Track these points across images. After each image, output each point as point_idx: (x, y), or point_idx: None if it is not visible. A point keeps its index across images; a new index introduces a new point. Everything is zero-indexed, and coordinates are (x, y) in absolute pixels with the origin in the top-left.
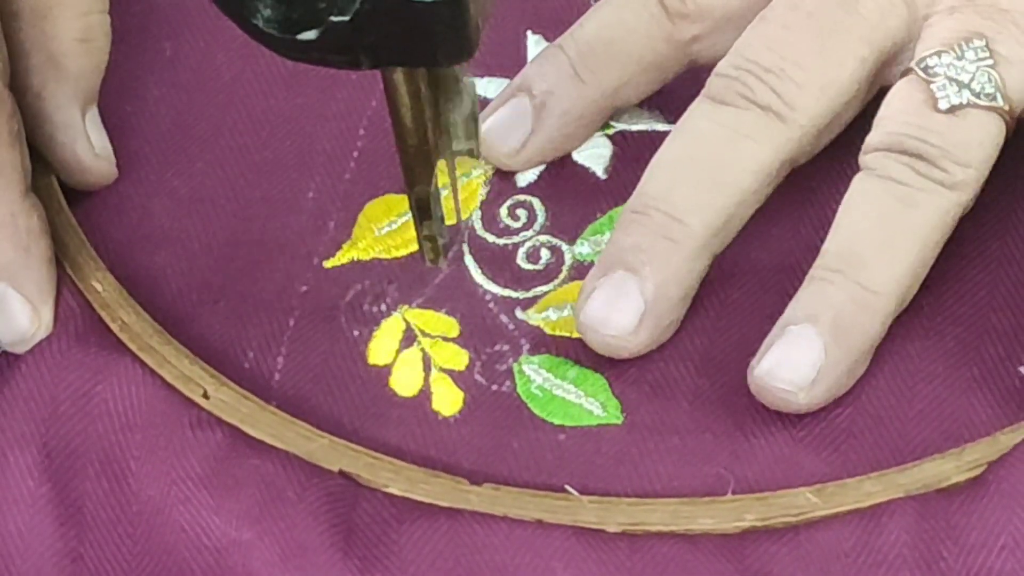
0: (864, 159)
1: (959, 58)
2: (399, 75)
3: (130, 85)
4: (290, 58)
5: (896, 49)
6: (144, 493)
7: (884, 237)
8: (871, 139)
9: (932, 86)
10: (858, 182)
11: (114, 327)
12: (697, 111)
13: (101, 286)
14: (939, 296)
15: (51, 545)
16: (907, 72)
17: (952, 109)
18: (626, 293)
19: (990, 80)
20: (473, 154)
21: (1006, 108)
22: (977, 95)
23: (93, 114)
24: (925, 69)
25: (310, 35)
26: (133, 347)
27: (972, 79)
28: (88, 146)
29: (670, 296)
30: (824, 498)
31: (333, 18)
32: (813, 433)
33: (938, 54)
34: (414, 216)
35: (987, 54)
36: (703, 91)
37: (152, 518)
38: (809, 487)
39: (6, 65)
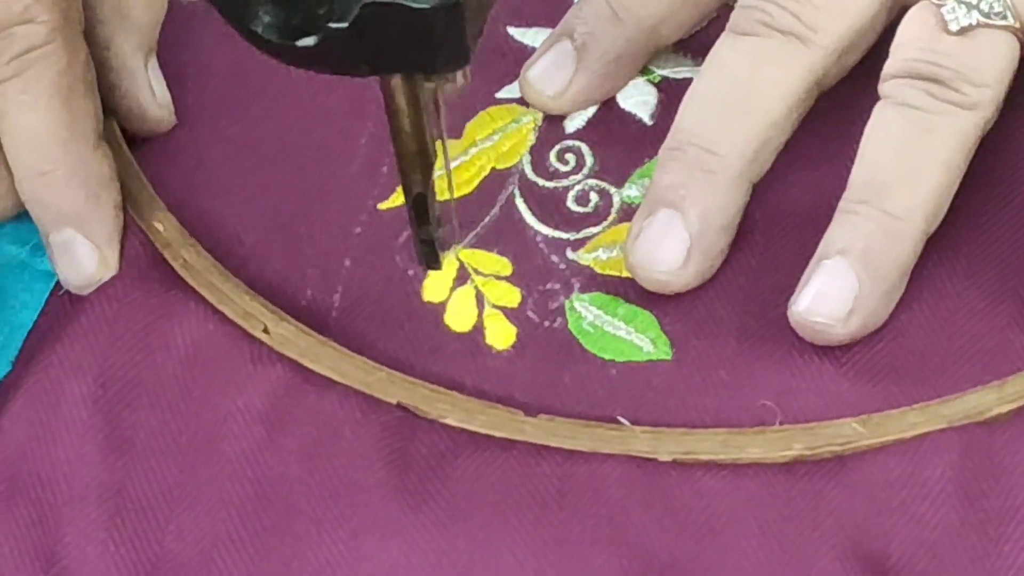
0: (882, 88)
1: None
2: (397, 81)
3: (184, 37)
4: (289, 64)
5: None
6: (197, 424)
7: (906, 164)
8: (887, 67)
9: (942, 9)
10: (877, 111)
11: (176, 265)
12: (722, 45)
13: (162, 226)
14: (977, 235)
15: (96, 475)
16: None
17: (963, 31)
18: (671, 229)
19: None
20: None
21: (1017, 26)
22: (987, 15)
23: (153, 64)
24: None
25: (309, 41)
26: (195, 284)
27: (980, 0)
28: (150, 94)
29: (713, 227)
30: (869, 428)
31: (332, 25)
32: (856, 367)
33: None
34: (411, 219)
35: None
36: (728, 25)
37: (201, 448)
38: (854, 418)
39: (82, 16)
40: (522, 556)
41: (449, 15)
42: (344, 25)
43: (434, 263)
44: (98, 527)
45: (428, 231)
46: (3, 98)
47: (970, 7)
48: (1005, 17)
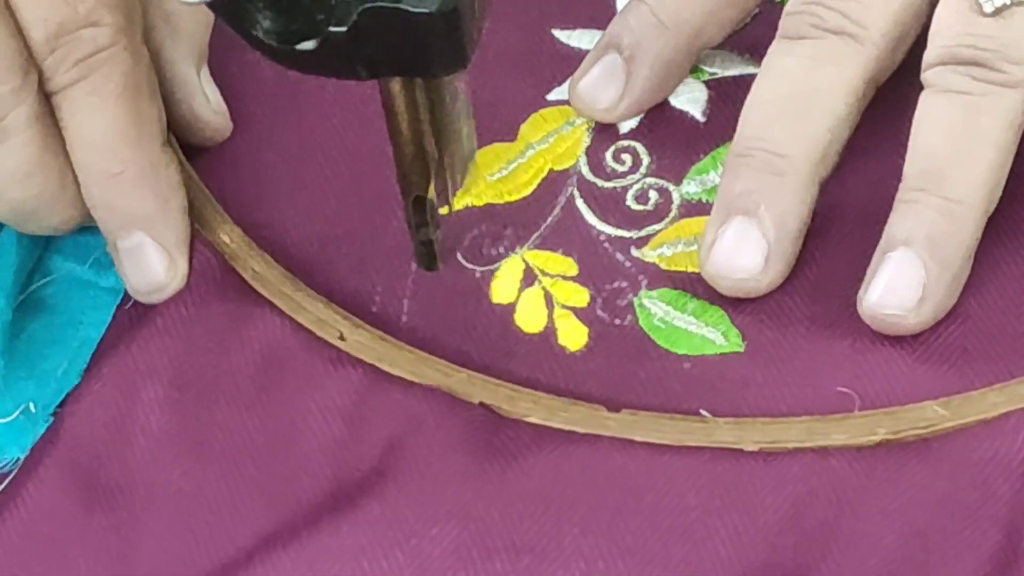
0: (925, 76)
1: None
2: (396, 85)
3: (234, 46)
4: (290, 68)
5: None
6: (275, 424)
7: (958, 148)
8: (928, 55)
9: None
10: (923, 100)
11: (246, 276)
12: (776, 51)
13: (229, 238)
14: None
15: (173, 480)
16: None
17: (997, 11)
18: (748, 236)
19: None
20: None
21: None
22: None
23: (206, 72)
24: None
25: (308, 46)
26: (267, 294)
27: None
28: (205, 102)
29: (789, 229)
30: (951, 410)
31: (331, 29)
32: (928, 351)
33: None
34: (410, 222)
35: None
36: (778, 33)
37: (278, 447)
38: (935, 400)
39: (141, 21)
40: (592, 555)
41: (446, 20)
42: (343, 29)
43: (433, 265)
44: (174, 532)
45: (427, 233)
46: (71, 102)
47: None
48: None
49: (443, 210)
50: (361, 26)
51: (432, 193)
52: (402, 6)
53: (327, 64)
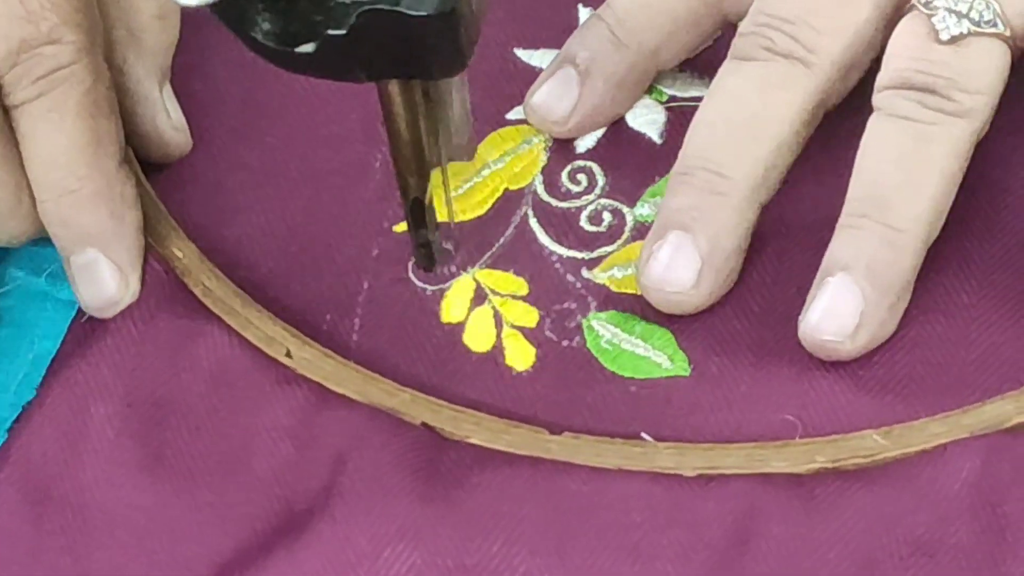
0: (876, 99)
1: None
2: (394, 87)
3: (198, 64)
4: (288, 70)
5: None
6: (225, 444)
7: (903, 175)
8: (880, 78)
9: (933, 19)
10: (872, 124)
11: (197, 291)
12: (726, 71)
13: (182, 253)
14: (988, 246)
15: (124, 497)
16: (910, 9)
17: (954, 40)
18: (682, 251)
19: (988, 7)
20: (468, 154)
21: (1007, 33)
22: (977, 23)
23: (168, 89)
24: (925, 4)
25: (307, 48)
26: (217, 310)
27: (970, 8)
28: (167, 118)
29: (724, 248)
30: (892, 440)
31: (330, 32)
32: (874, 380)
33: None
34: (409, 223)
35: None
36: (730, 53)
37: (231, 467)
38: (876, 430)
39: (102, 40)
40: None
41: (444, 22)
42: (342, 32)
43: (431, 265)
44: (128, 551)
45: (425, 234)
46: (29, 117)
47: (960, 16)
48: (995, 25)
49: (441, 215)
50: (360, 28)
51: (430, 195)
52: (400, 8)
53: (325, 66)
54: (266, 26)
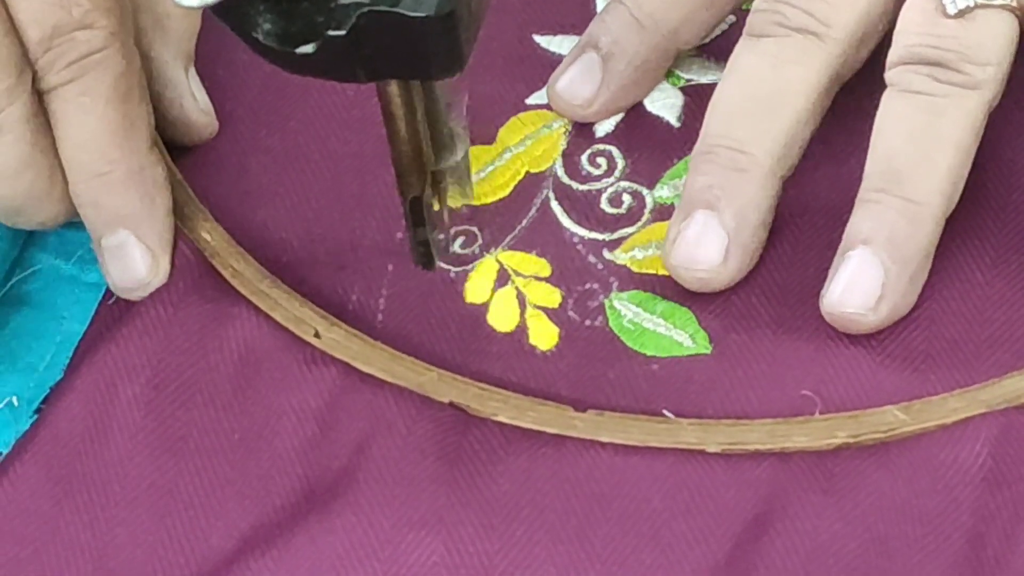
0: (888, 75)
1: None
2: (394, 87)
3: (221, 50)
4: (289, 70)
5: None
6: (250, 422)
7: (918, 149)
8: (891, 55)
9: None
10: (886, 100)
11: (226, 274)
12: (741, 49)
13: (210, 236)
14: (1003, 224)
15: (148, 476)
16: None
17: (960, 13)
18: (709, 229)
19: None
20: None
21: (1014, 4)
22: None
23: (193, 73)
24: None
25: (308, 49)
26: (245, 292)
27: None
28: (193, 102)
29: (750, 223)
30: (911, 415)
31: (330, 32)
32: (892, 356)
33: None
34: (407, 222)
35: None
36: (744, 29)
37: (253, 445)
38: (896, 405)
39: (132, 25)
40: (563, 562)
41: (444, 23)
42: (342, 32)
43: (430, 265)
44: (147, 529)
45: (424, 233)
46: (62, 101)
47: None
48: None
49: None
50: (360, 29)
51: (429, 194)
52: (400, 10)
53: (326, 67)
54: (267, 27)
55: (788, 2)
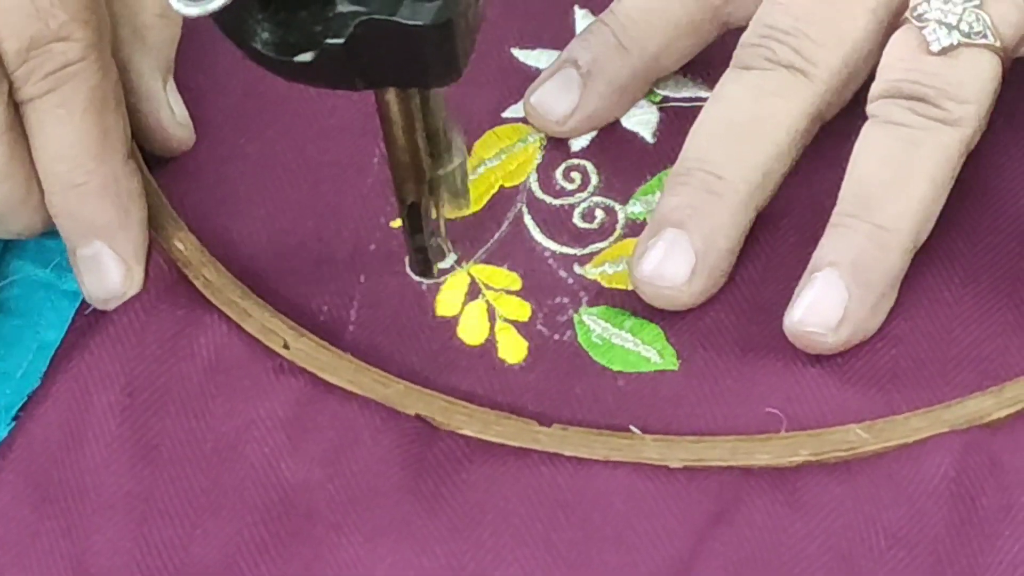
0: (869, 108)
1: (946, 2)
2: (391, 95)
3: (201, 58)
4: (287, 79)
5: None
6: (221, 431)
7: (892, 178)
8: (874, 88)
9: (924, 31)
10: (866, 130)
11: (197, 283)
12: (728, 79)
13: (183, 245)
14: (972, 245)
15: (124, 484)
16: (904, 22)
17: (944, 51)
18: (677, 247)
19: (978, 19)
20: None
21: (997, 44)
22: (967, 35)
23: (171, 84)
24: (917, 16)
25: (306, 57)
26: (216, 301)
27: (960, 20)
28: (170, 113)
29: (718, 247)
30: (873, 434)
31: (328, 41)
32: (858, 374)
33: (927, 0)
34: (404, 228)
35: None
36: (732, 62)
37: (225, 454)
38: (859, 423)
39: (110, 36)
40: (529, 566)
41: (441, 31)
42: (340, 41)
43: (427, 271)
44: (125, 535)
45: (421, 239)
46: (39, 112)
47: (951, 28)
48: (985, 36)
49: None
50: (357, 38)
51: (426, 201)
52: (397, 19)
53: (324, 75)
54: (265, 36)
55: (777, 38)
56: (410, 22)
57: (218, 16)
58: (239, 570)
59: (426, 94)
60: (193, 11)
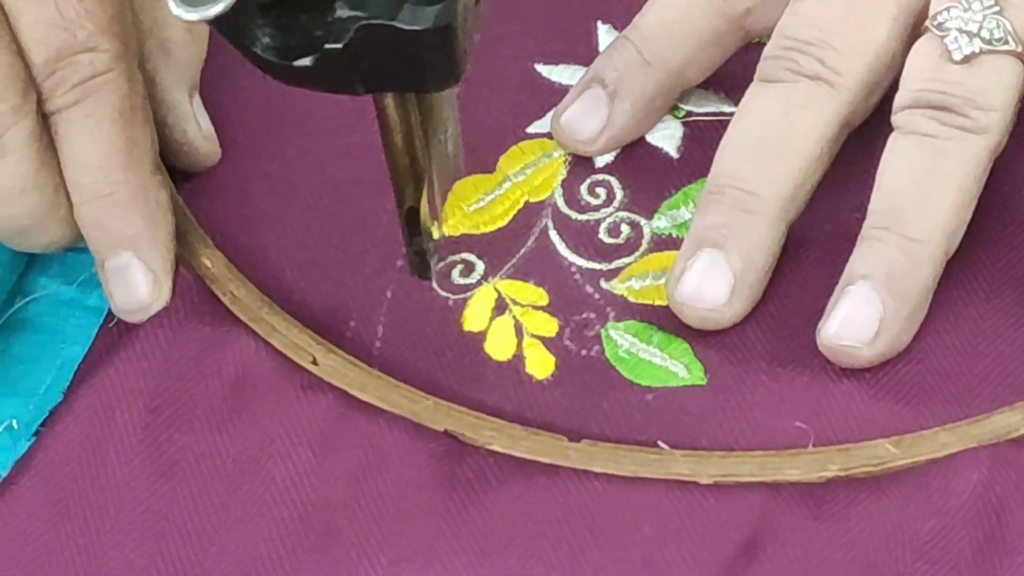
0: (894, 119)
1: (966, 10)
2: (390, 100)
3: (224, 76)
4: (288, 83)
5: (927, 3)
6: (244, 447)
7: (921, 189)
8: (898, 99)
9: (945, 40)
10: (892, 141)
11: (225, 300)
12: (753, 93)
13: (210, 262)
14: (996, 260)
15: (143, 501)
16: (924, 31)
17: (966, 59)
18: (715, 268)
19: (998, 26)
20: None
21: (1019, 50)
22: (988, 42)
23: (197, 100)
24: (937, 25)
25: (306, 62)
26: (244, 318)
27: (980, 28)
28: (197, 128)
29: (756, 264)
30: (902, 449)
31: (328, 46)
32: (885, 389)
33: (947, 9)
34: (403, 232)
35: (992, 1)
36: (756, 75)
37: (247, 470)
38: (887, 438)
39: (137, 49)
40: None
41: (440, 36)
42: (339, 46)
43: (426, 274)
44: (142, 552)
45: (420, 243)
46: (67, 123)
47: (971, 36)
48: (1007, 43)
49: (433, 231)
50: (357, 43)
51: (425, 205)
52: (397, 23)
53: (324, 79)
54: (266, 40)
55: (800, 49)
56: (410, 27)
57: (219, 21)
58: None
59: (426, 98)
60: (193, 16)
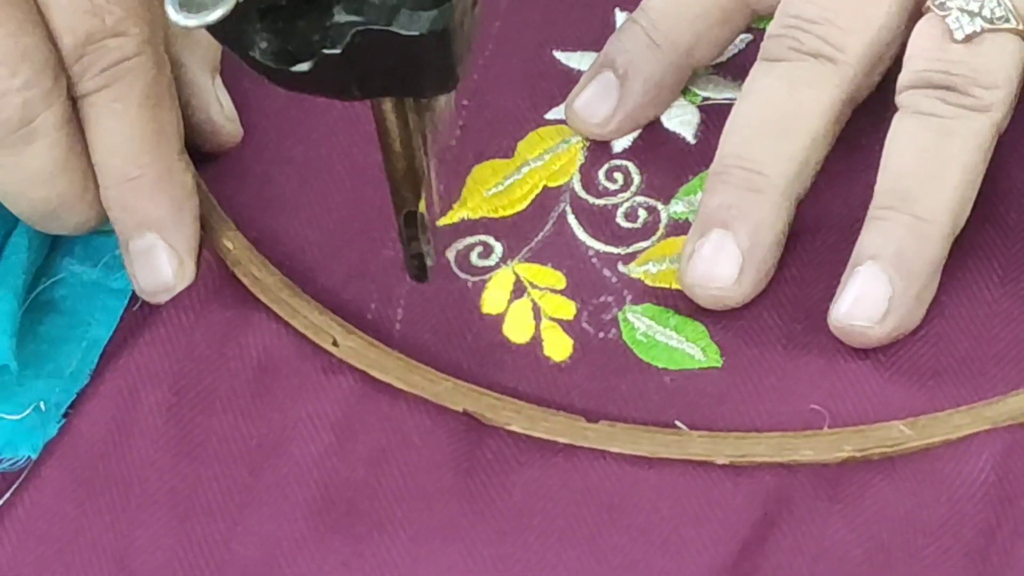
0: (898, 99)
1: None
2: (388, 104)
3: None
4: (286, 88)
5: None
6: (268, 429)
7: (927, 168)
8: (901, 79)
9: (947, 19)
10: (896, 122)
11: (246, 282)
12: (756, 73)
13: (232, 244)
14: (1010, 243)
15: (168, 481)
16: (926, 10)
17: (968, 38)
18: (723, 248)
19: (1000, 4)
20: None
21: (1020, 27)
22: (990, 20)
23: (219, 81)
24: (939, 5)
25: (304, 67)
26: (265, 299)
27: (982, 6)
28: (220, 109)
29: (764, 243)
30: (917, 430)
31: (325, 50)
32: (900, 371)
33: None
34: (401, 235)
35: None
36: (759, 55)
37: (270, 452)
38: (902, 420)
39: (164, 33)
40: (575, 569)
41: (437, 41)
42: (337, 51)
43: (423, 277)
44: (167, 531)
45: (417, 246)
46: (95, 108)
47: (973, 15)
48: (1008, 21)
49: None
50: (354, 47)
51: (423, 208)
52: (394, 28)
53: (322, 84)
54: (264, 45)
55: (802, 28)
56: (407, 32)
57: (217, 27)
58: (277, 566)
59: (421, 103)
60: (192, 23)
